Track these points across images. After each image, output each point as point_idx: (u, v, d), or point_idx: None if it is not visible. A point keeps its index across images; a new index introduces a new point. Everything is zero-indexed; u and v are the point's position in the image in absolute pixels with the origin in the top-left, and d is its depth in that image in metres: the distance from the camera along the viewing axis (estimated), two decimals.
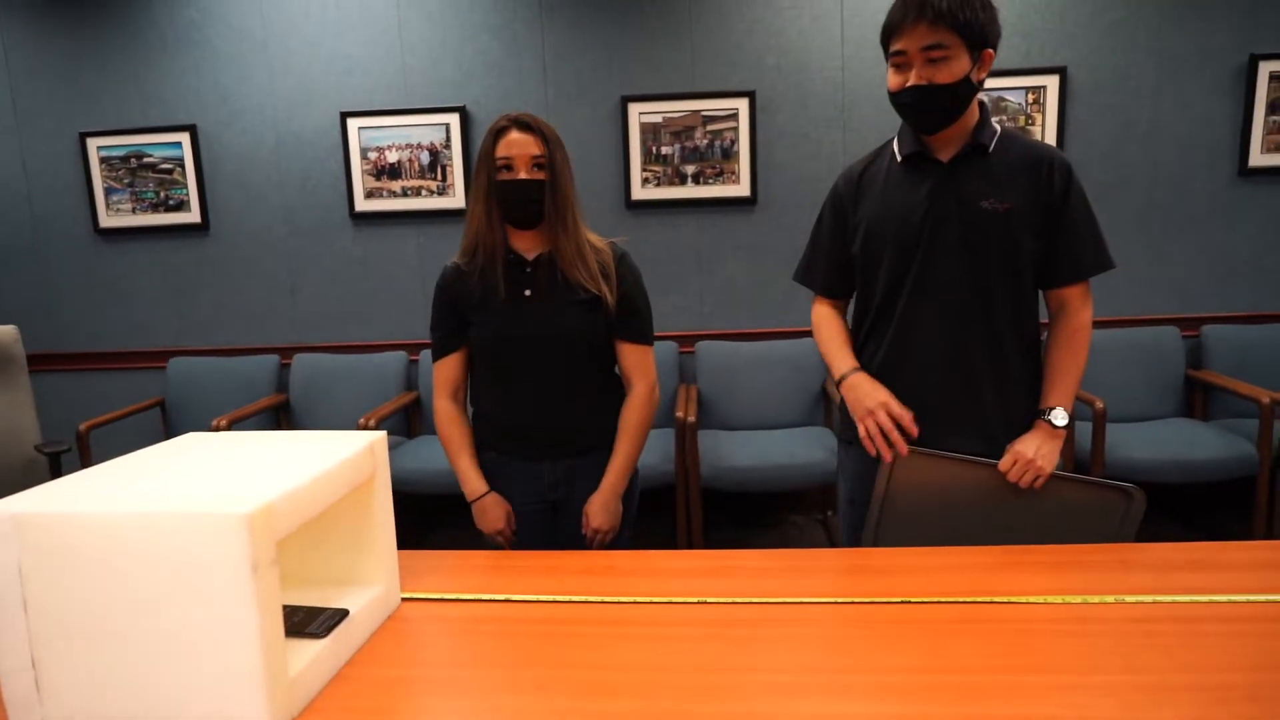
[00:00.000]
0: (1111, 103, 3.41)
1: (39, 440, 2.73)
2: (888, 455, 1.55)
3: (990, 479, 1.54)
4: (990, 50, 1.50)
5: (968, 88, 1.49)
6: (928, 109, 1.51)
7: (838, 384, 1.68)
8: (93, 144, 3.70)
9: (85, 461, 3.25)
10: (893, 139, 1.67)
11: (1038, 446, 1.53)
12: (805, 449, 3.14)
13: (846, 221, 1.69)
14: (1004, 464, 1.53)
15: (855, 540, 1.68)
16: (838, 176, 1.74)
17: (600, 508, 1.72)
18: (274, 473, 0.97)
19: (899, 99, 1.53)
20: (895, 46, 1.50)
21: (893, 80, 1.53)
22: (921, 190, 1.58)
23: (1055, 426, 1.56)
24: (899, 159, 1.63)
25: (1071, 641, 1.05)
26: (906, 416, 1.54)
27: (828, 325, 1.77)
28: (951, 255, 1.56)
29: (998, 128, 1.59)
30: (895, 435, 1.54)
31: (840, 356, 1.70)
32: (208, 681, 0.87)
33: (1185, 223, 3.47)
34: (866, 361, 1.68)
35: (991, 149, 1.56)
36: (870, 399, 1.58)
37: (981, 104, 1.58)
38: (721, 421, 3.53)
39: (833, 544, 3.40)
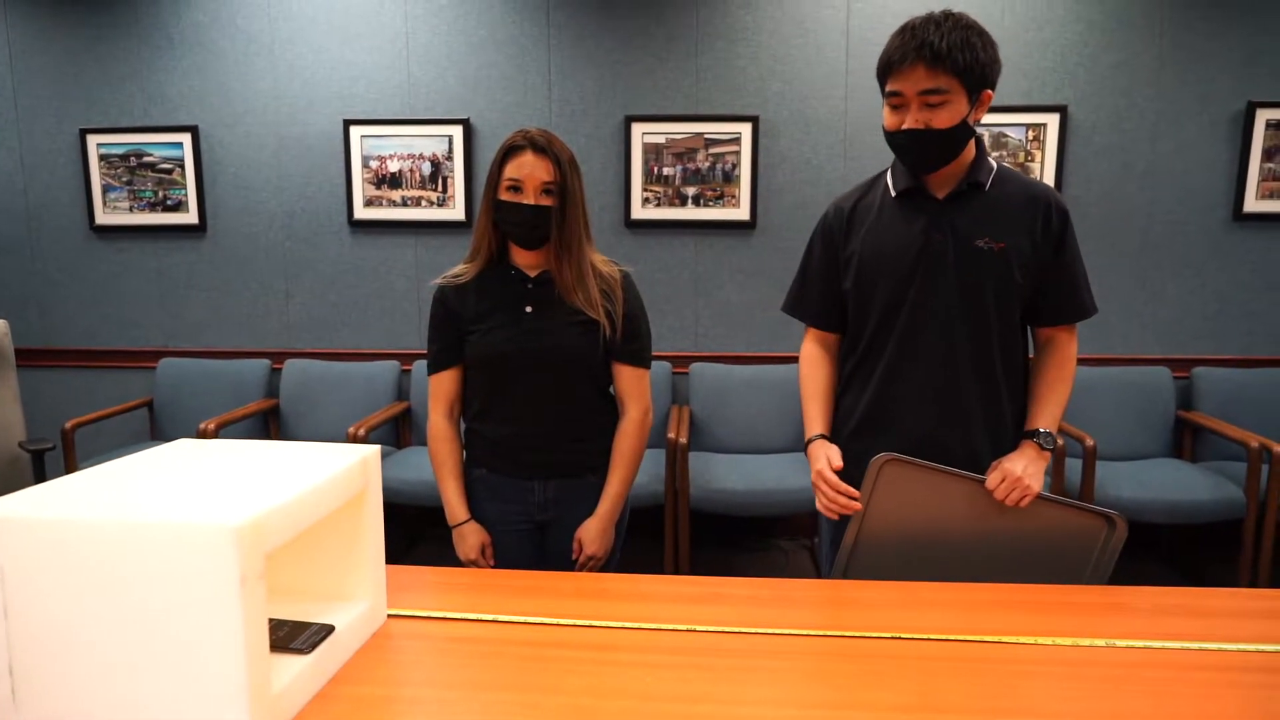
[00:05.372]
0: (1110, 143, 3.44)
1: (24, 437, 2.70)
2: (834, 515, 1.58)
3: (974, 494, 1.52)
4: (989, 91, 1.48)
5: (965, 131, 1.48)
6: (923, 152, 1.50)
7: (805, 445, 1.71)
8: (93, 141, 3.69)
9: (69, 460, 3.22)
10: (885, 172, 1.66)
11: (1025, 465, 1.52)
12: (795, 475, 3.13)
13: (837, 254, 1.68)
14: (991, 481, 1.51)
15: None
16: (828, 207, 1.72)
17: (595, 535, 1.71)
18: (265, 484, 0.96)
19: (894, 139, 1.51)
20: (891, 87, 1.48)
21: (889, 119, 1.51)
22: (916, 227, 1.57)
23: (1043, 448, 1.56)
24: (893, 194, 1.61)
25: (1062, 685, 1.04)
26: (840, 485, 1.55)
27: (812, 376, 1.76)
28: (945, 293, 1.55)
29: (994, 165, 1.59)
30: (840, 502, 1.55)
31: (811, 418, 1.72)
32: (189, 695, 0.85)
33: (1180, 264, 3.50)
34: (854, 396, 1.67)
35: (988, 186, 1.56)
36: (811, 469, 1.62)
37: (978, 140, 1.57)
38: (712, 444, 3.52)
39: (819, 571, 3.39)
